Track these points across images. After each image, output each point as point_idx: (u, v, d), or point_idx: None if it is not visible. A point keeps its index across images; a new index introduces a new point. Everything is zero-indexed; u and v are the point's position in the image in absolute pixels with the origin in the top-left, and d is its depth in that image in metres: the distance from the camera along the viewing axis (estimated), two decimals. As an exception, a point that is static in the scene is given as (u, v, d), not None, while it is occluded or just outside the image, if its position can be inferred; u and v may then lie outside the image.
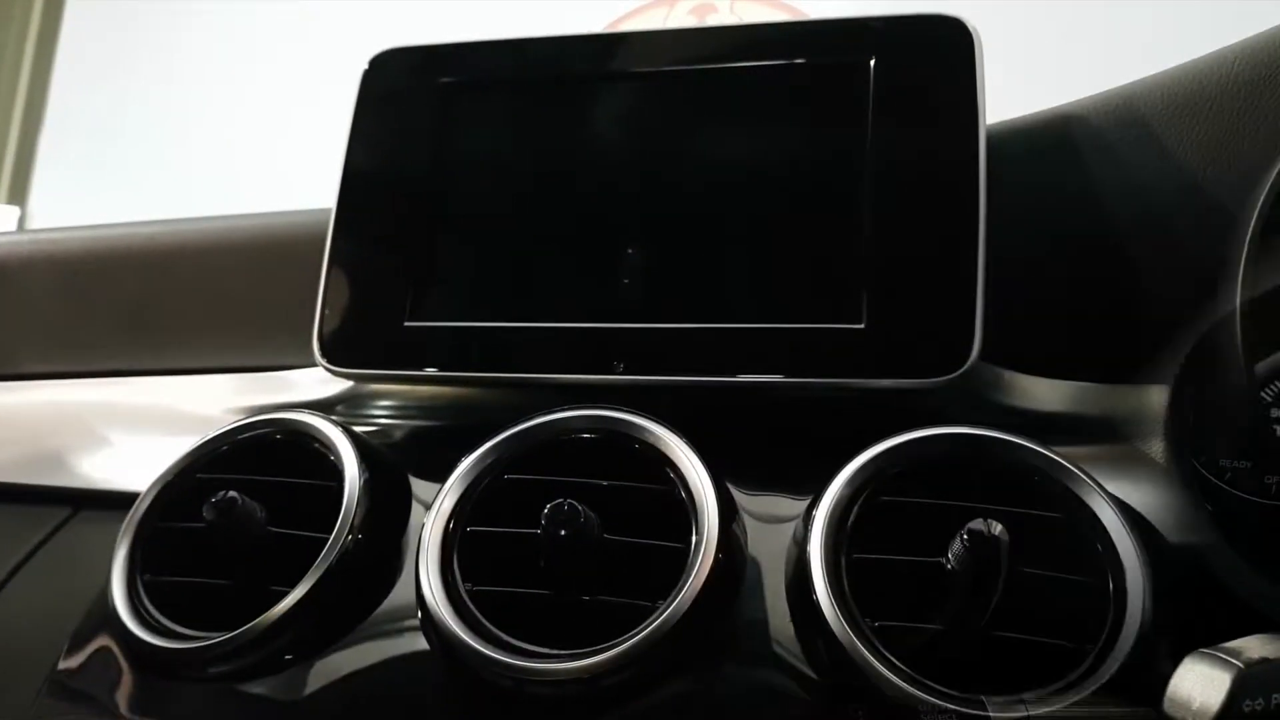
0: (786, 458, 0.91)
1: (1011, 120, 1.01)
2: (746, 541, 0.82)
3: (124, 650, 0.85)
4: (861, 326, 0.87)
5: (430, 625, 0.77)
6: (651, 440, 0.83)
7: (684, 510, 0.79)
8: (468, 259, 1.00)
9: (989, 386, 0.90)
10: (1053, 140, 0.97)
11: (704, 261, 0.94)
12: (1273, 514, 0.82)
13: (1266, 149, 0.84)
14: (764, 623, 0.78)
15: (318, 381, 1.09)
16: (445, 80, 1.05)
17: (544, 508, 0.75)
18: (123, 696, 0.84)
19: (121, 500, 0.94)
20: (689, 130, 0.99)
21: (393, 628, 0.83)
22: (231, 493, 0.83)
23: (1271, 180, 0.75)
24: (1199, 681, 0.59)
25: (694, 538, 0.77)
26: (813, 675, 0.74)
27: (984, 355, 0.84)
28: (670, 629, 0.72)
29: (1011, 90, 1.06)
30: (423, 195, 1.02)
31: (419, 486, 0.93)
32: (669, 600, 0.73)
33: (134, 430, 1.15)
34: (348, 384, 1.07)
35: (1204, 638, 0.72)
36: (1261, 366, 0.84)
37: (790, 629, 0.77)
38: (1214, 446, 0.84)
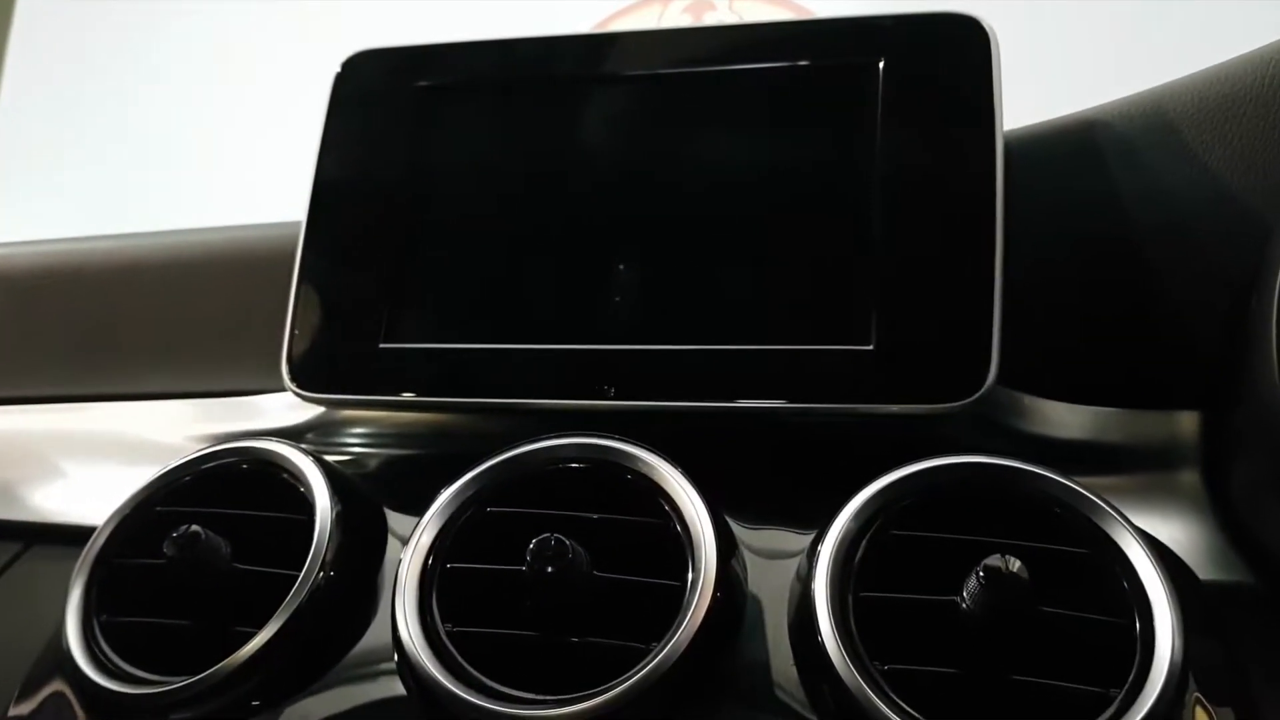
0: (789, 489, 0.91)
1: (1031, 126, 1.01)
2: (746, 579, 0.82)
3: (79, 696, 0.85)
4: (870, 348, 0.87)
5: (407, 668, 0.77)
6: (644, 470, 0.83)
7: (680, 545, 0.79)
8: (447, 276, 1.00)
9: (1006, 412, 0.91)
10: (1075, 147, 0.98)
11: (700, 278, 0.94)
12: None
13: (1305, 156, 0.84)
14: (765, 666, 0.78)
15: (287, 407, 1.10)
16: (423, 84, 1.05)
17: (529, 543, 0.75)
18: (77, 745, 0.84)
19: (76, 535, 0.94)
20: (684, 137, 0.99)
21: (367, 671, 0.83)
22: (194, 527, 0.83)
23: None
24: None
25: (690, 575, 0.77)
26: (817, 722, 0.74)
27: (1001, 378, 0.84)
28: (665, 673, 0.72)
29: (1031, 94, 1.06)
30: (399, 207, 1.02)
31: (395, 520, 0.93)
32: (664, 642, 0.73)
33: (89, 460, 1.16)
34: (319, 410, 1.08)
35: (1240, 683, 0.73)
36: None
37: (793, 673, 0.77)
38: (1249, 475, 0.84)
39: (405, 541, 0.83)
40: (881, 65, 0.94)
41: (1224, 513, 0.84)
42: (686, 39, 1.02)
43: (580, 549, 0.76)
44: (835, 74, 0.96)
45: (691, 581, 0.76)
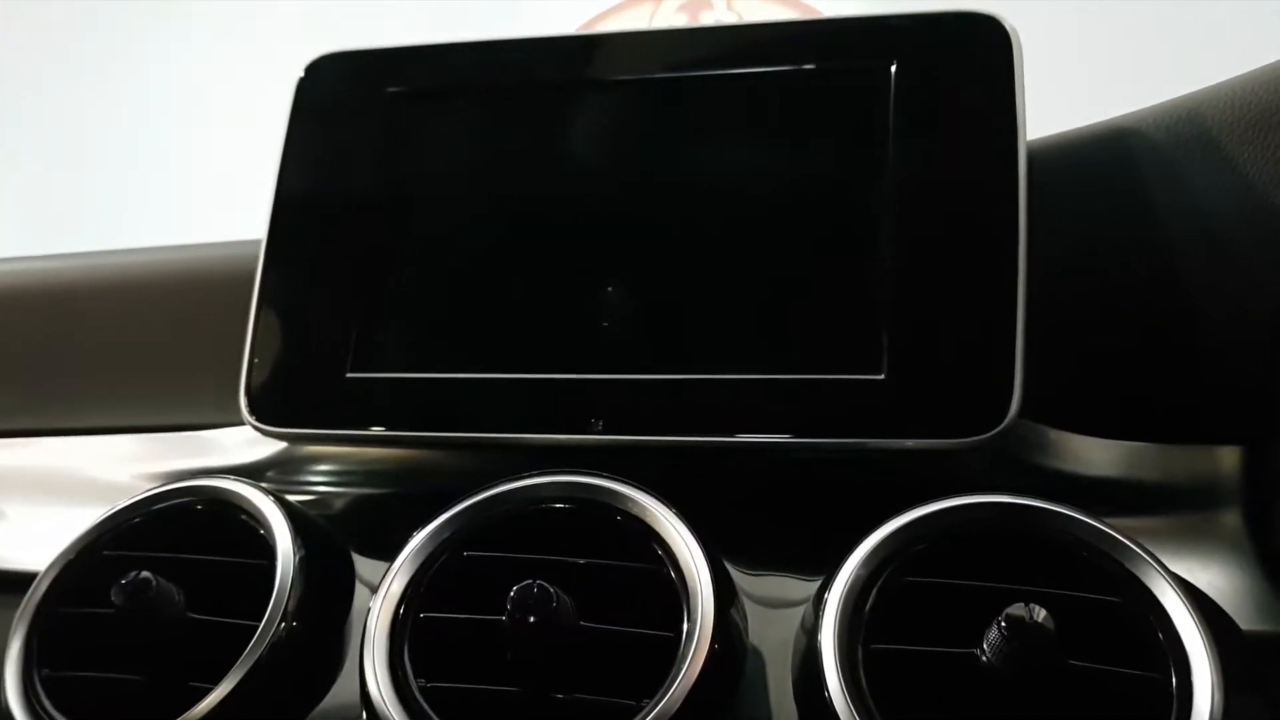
0: (793, 532, 0.91)
1: (1056, 135, 1.01)
2: (747, 630, 0.82)
3: (18, 759, 0.85)
4: (881, 378, 0.87)
5: (377, 728, 0.77)
6: (636, 511, 0.83)
7: (674, 593, 0.79)
8: (421, 299, 1.01)
9: (1030, 447, 0.91)
10: (1104, 158, 0.98)
11: (697, 302, 0.94)
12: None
13: (1354, 167, 0.85)
14: (768, 725, 0.78)
15: (245, 443, 1.10)
16: (394, 89, 1.06)
17: (510, 590, 0.75)
18: (17, 812, 0.84)
19: (16, 582, 0.94)
20: (679, 148, 0.99)
21: (333, 731, 0.83)
22: (144, 573, 0.83)
23: None
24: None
25: (685, 625, 0.77)
26: (824, 787, 0.74)
27: (1024, 411, 0.84)
28: (658, 732, 0.72)
29: (1057, 99, 1.06)
30: (368, 225, 1.03)
31: (364, 565, 0.93)
32: (657, 698, 0.73)
33: (29, 500, 1.15)
34: (280, 446, 1.08)
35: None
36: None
37: (798, 732, 0.77)
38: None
39: (375, 589, 0.83)
40: (894, 69, 0.94)
41: (1269, 557, 0.84)
42: (682, 41, 1.02)
43: (565, 597, 0.76)
44: (843, 78, 0.96)
45: (687, 632, 0.76)
